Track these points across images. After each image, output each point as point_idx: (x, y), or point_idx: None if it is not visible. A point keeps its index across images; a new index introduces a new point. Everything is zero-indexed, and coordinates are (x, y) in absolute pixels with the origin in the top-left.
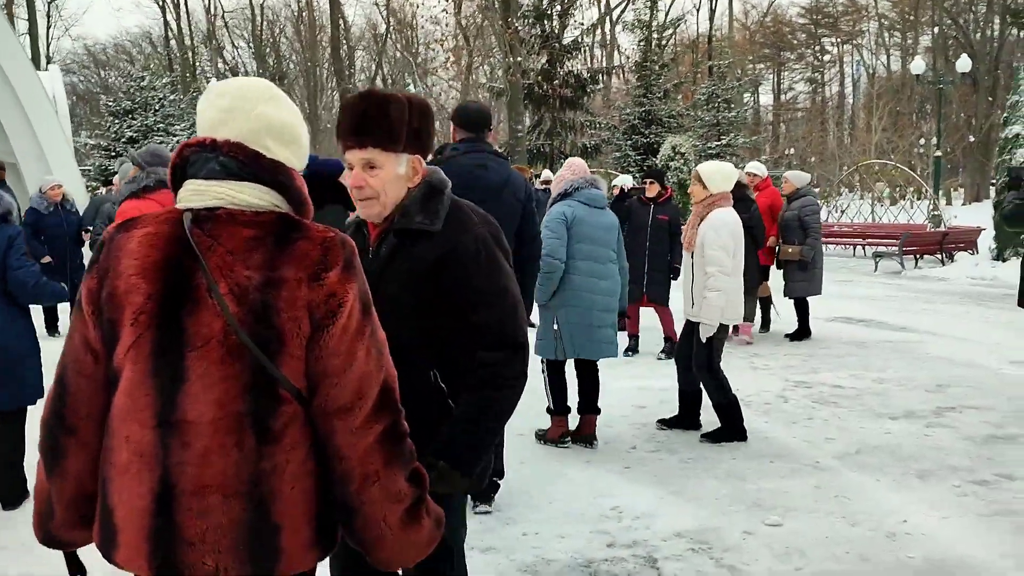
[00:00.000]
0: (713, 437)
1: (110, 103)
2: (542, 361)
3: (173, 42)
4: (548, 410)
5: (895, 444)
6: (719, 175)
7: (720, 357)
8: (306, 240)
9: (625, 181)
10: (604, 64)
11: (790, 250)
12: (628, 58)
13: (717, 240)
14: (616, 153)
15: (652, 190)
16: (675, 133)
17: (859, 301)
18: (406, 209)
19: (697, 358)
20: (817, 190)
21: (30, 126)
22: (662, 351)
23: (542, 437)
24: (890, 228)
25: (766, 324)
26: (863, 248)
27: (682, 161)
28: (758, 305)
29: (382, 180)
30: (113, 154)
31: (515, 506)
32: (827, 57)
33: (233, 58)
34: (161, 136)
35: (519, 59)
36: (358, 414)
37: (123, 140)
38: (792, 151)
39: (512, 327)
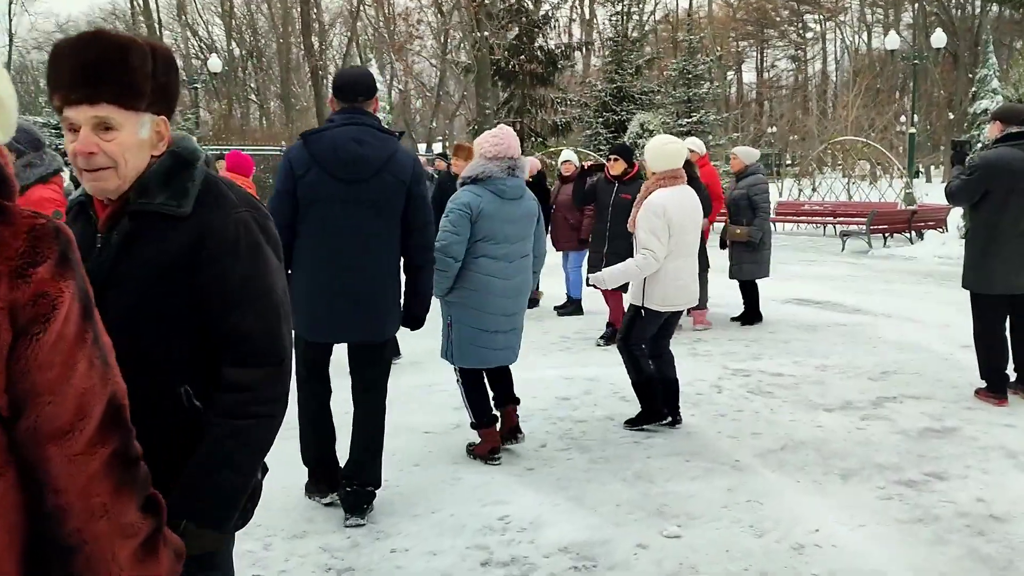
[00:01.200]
0: (634, 422)
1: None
2: (456, 369)
3: (142, 18)
4: (472, 425)
5: (823, 439)
6: (659, 153)
7: (643, 334)
8: (7, 227)
9: (570, 157)
10: (582, 39)
11: (738, 231)
12: (600, 33)
13: (644, 222)
14: (587, 131)
15: (616, 167)
16: (647, 110)
17: (818, 281)
18: (144, 185)
19: (620, 331)
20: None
21: None
22: (602, 336)
23: (471, 453)
24: (860, 206)
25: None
26: (834, 227)
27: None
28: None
29: (120, 145)
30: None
31: (393, 516)
32: (810, 35)
33: (208, 35)
34: None
35: (486, 33)
36: (78, 438)
37: None
38: (774, 129)
39: (274, 337)
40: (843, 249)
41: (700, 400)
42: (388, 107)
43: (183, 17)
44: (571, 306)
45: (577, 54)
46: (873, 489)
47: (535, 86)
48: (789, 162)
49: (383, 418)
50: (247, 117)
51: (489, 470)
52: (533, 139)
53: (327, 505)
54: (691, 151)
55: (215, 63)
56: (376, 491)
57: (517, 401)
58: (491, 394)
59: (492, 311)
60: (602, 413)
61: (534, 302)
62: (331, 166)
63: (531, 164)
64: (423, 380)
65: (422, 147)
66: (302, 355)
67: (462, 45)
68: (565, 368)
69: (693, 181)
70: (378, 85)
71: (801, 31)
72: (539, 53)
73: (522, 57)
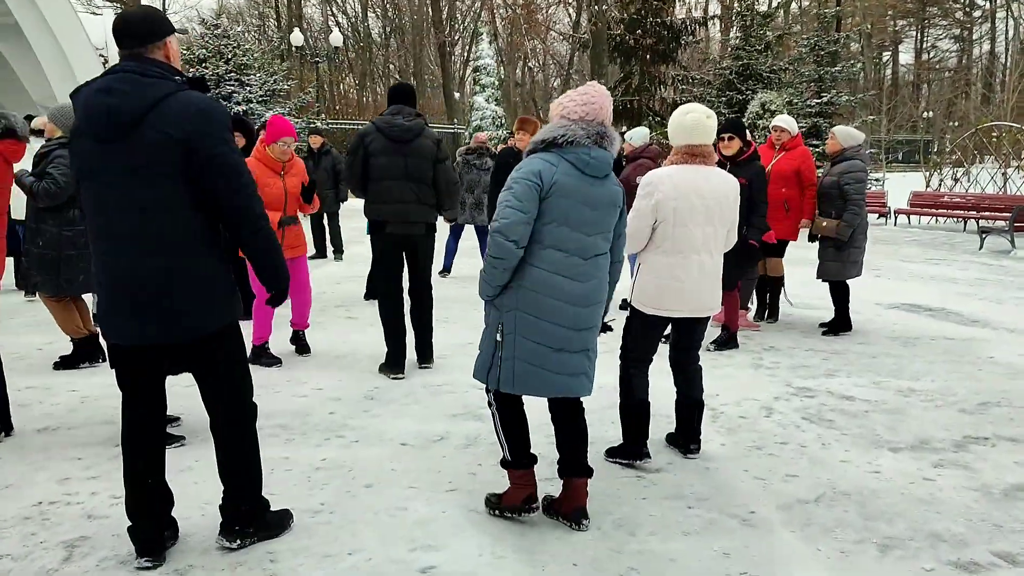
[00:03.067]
0: (613, 452)
1: (184, 51)
2: (488, 390)
3: None
4: (502, 462)
5: (873, 491)
6: (677, 124)
7: (639, 345)
8: None
9: (641, 135)
10: (708, 13)
11: (824, 224)
12: (729, 6)
13: (637, 202)
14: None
15: (730, 147)
16: (773, 90)
17: (939, 284)
18: None
19: (622, 340)
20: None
21: (72, 72)
22: (713, 341)
23: (495, 505)
24: (1005, 200)
25: (773, 312)
26: (976, 223)
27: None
28: (752, 288)
29: None
30: None
31: (301, 554)
32: (977, 13)
33: (354, 10)
34: (233, 85)
35: (604, 7)
36: None
37: None
38: (930, 114)
39: None
40: (981, 248)
41: (740, 425)
42: (497, 83)
43: None
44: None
45: (702, 29)
46: (917, 572)
47: (655, 63)
48: (935, 150)
49: (242, 419)
50: (374, 93)
51: (444, 502)
52: (651, 118)
53: None
54: (781, 129)
55: (336, 38)
56: (255, 510)
57: (589, 472)
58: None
59: (560, 321)
60: (615, 434)
61: (605, 327)
62: (84, 125)
63: (480, 138)
64: (435, 379)
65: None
66: (113, 363)
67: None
68: (601, 374)
69: (744, 164)
70: (493, 60)
71: (968, 8)
72: (660, 28)
73: (639, 32)
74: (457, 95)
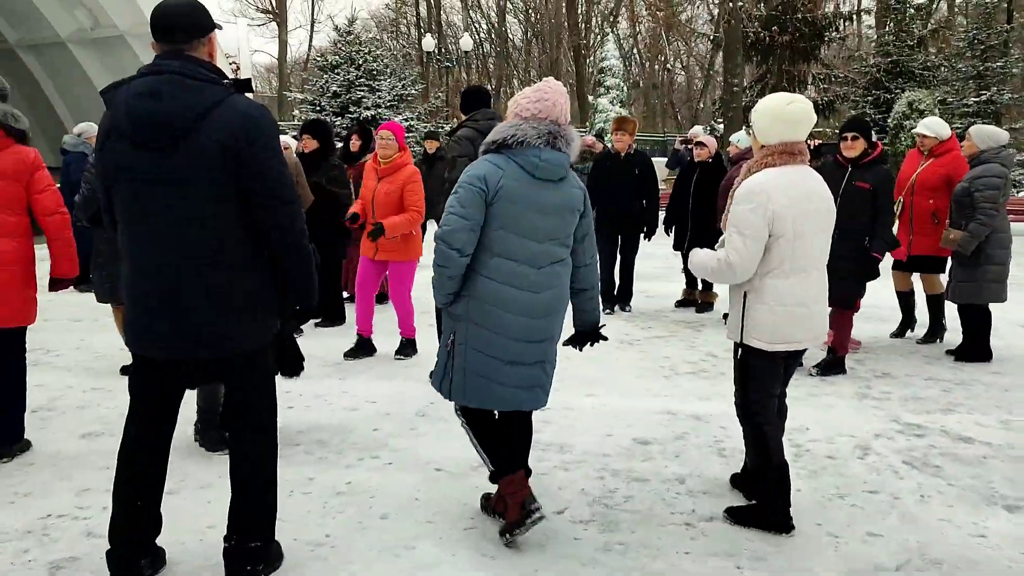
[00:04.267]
0: (738, 516)
1: (317, 58)
2: (457, 410)
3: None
4: (490, 477)
5: (974, 562)
6: (776, 116)
7: (765, 392)
8: None
9: (696, 132)
10: (854, 7)
11: (951, 235)
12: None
13: (733, 212)
14: (853, 111)
15: (854, 147)
16: (925, 87)
17: None
18: None
19: (735, 393)
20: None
21: None
22: (816, 365)
23: (488, 508)
24: None
25: (902, 328)
26: None
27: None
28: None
29: None
30: (317, 108)
31: None
32: None
33: (496, 15)
34: (364, 91)
35: (739, 4)
36: None
37: (327, 95)
38: None
39: None
40: None
41: (825, 467)
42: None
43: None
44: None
45: (848, 24)
46: None
47: (795, 61)
48: None
49: (262, 457)
50: (510, 97)
51: (457, 543)
52: None
53: None
54: (923, 135)
55: (467, 42)
56: (265, 545)
57: (529, 471)
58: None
59: (509, 334)
60: (676, 471)
61: (599, 336)
62: (126, 130)
63: (587, 141)
64: None
65: (699, 129)
66: (132, 373)
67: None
68: (678, 398)
69: (868, 167)
70: (618, 61)
71: None
72: (800, 24)
73: (775, 29)
74: (591, 98)
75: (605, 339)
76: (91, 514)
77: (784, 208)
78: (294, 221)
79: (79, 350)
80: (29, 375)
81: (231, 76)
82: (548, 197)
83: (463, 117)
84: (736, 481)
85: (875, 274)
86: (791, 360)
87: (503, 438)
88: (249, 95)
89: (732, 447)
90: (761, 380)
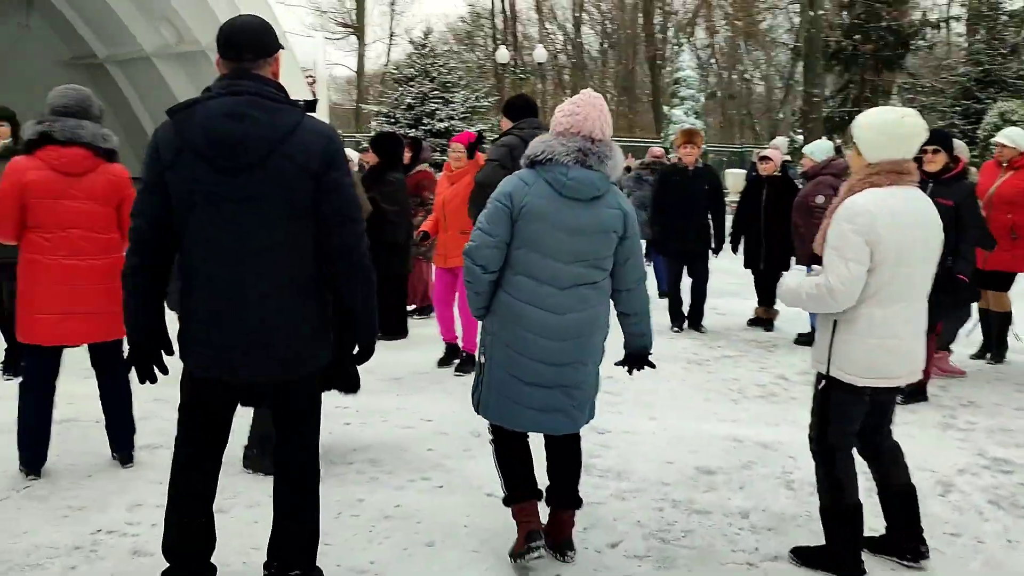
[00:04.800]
0: (806, 557)
1: (393, 71)
2: (488, 425)
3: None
4: (505, 500)
5: None
6: (884, 133)
7: (844, 429)
8: None
9: (780, 144)
10: (944, 14)
11: None
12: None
13: (833, 233)
14: (940, 122)
15: (935, 161)
16: (1018, 98)
17: None
18: None
19: (811, 425)
20: None
21: None
22: (901, 392)
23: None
24: None
25: (999, 353)
26: None
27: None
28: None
29: None
30: (392, 120)
31: None
32: None
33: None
34: (437, 103)
35: (821, 12)
36: None
37: (402, 107)
38: None
39: None
40: None
41: None
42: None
43: (541, 12)
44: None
45: (935, 32)
46: None
47: (879, 70)
48: None
49: (307, 481)
50: None
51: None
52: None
53: None
54: (1002, 144)
55: (540, 54)
56: (306, 574)
57: (578, 504)
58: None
59: (529, 354)
60: (739, 504)
61: (646, 363)
62: (205, 151)
63: (655, 152)
64: None
65: (781, 141)
66: (187, 391)
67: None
68: (746, 423)
69: (950, 183)
70: (694, 72)
71: None
72: (885, 32)
73: (857, 37)
74: (666, 109)
75: (652, 366)
76: (140, 531)
77: (889, 232)
78: (360, 240)
79: None
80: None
81: (307, 90)
82: (577, 217)
83: (509, 125)
84: (876, 546)
85: (960, 296)
86: (886, 396)
87: (525, 463)
88: (313, 115)
89: (801, 479)
90: (841, 416)
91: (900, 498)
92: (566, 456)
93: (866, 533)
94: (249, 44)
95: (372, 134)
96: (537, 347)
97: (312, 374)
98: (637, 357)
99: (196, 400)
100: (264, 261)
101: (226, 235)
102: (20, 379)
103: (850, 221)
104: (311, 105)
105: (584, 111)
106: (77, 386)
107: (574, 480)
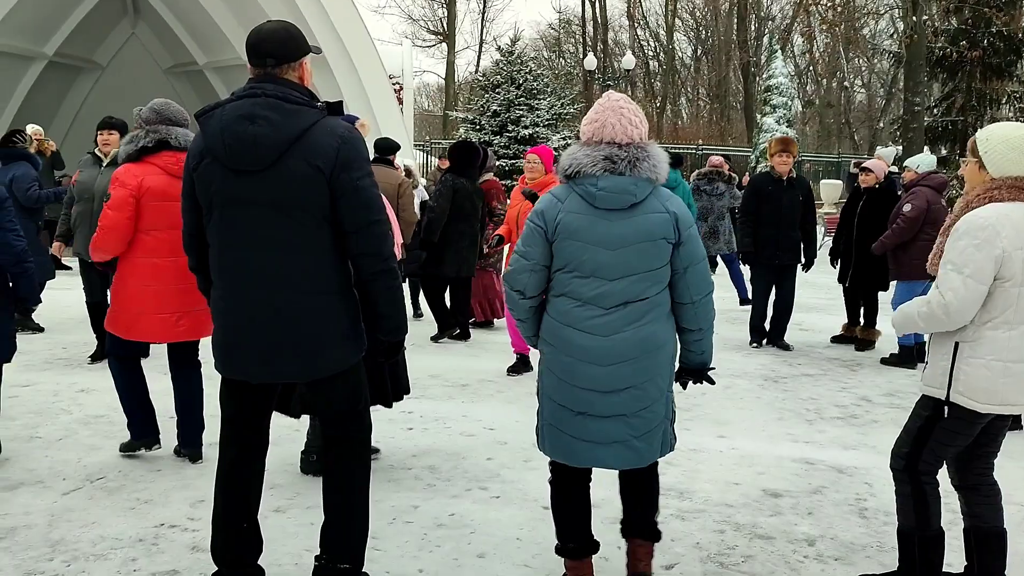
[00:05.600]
0: None
1: (480, 78)
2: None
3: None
4: (557, 549)
5: None
6: (1009, 148)
7: (943, 454)
8: None
9: (886, 155)
10: None
11: None
12: None
13: (952, 252)
14: None
15: None
16: None
17: None
18: None
19: (900, 439)
20: None
21: (366, 96)
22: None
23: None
24: None
25: None
26: None
27: None
28: None
29: None
30: (477, 127)
31: None
32: None
33: (666, 32)
34: (522, 110)
35: (924, 18)
36: None
37: (487, 114)
38: None
39: None
40: None
41: None
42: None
43: (633, 18)
44: (903, 357)
45: None
46: None
47: (987, 78)
48: None
49: (354, 480)
50: (678, 116)
51: None
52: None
53: None
54: None
55: (629, 61)
56: (355, 569)
57: (654, 536)
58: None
59: (576, 381)
60: (806, 531)
61: (706, 379)
62: (221, 154)
63: (714, 162)
64: None
65: (888, 152)
66: (224, 397)
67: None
68: (820, 446)
69: None
70: (786, 79)
71: None
72: (994, 39)
73: (964, 44)
74: (758, 116)
75: (711, 382)
76: (200, 526)
77: (1015, 248)
78: (382, 245)
79: None
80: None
81: (393, 96)
82: (616, 228)
83: None
84: None
85: None
86: (1000, 424)
87: (582, 512)
88: (339, 118)
89: (876, 507)
90: (946, 441)
91: (991, 539)
92: (638, 487)
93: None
94: (270, 50)
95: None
96: (583, 374)
97: (343, 373)
98: (693, 371)
99: (231, 403)
100: (283, 262)
101: (241, 236)
102: (114, 369)
103: (972, 236)
104: (335, 107)
105: (602, 117)
106: (154, 382)
107: (650, 512)
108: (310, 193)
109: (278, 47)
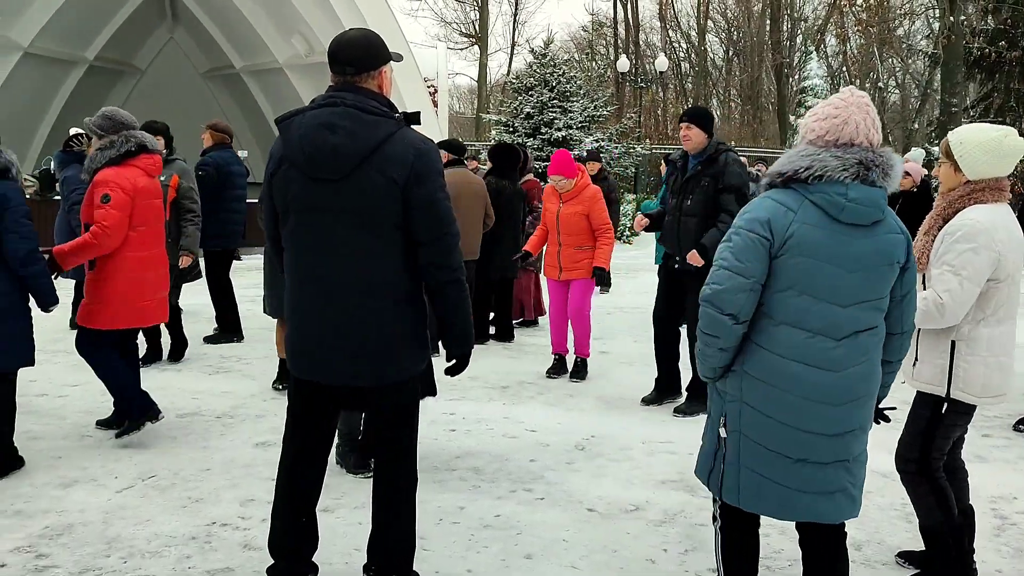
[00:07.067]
0: (914, 560)
1: (512, 80)
2: (715, 499)
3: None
4: None
5: None
6: (988, 149)
7: (945, 446)
8: None
9: (915, 157)
10: None
11: None
12: None
13: (949, 254)
14: None
15: None
16: None
17: None
18: None
19: (905, 442)
20: None
21: (402, 102)
22: (1021, 421)
23: None
24: None
25: None
26: None
27: None
28: None
29: None
30: (510, 129)
31: None
32: None
33: (696, 33)
34: (555, 112)
35: (962, 18)
36: None
37: (520, 116)
38: None
39: None
40: None
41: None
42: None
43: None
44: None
45: None
46: None
47: None
48: None
49: (404, 485)
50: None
51: None
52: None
53: None
54: None
55: (662, 63)
56: None
57: None
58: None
59: (799, 423)
60: (853, 535)
61: (882, 416)
62: (299, 161)
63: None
64: (662, 433)
65: (917, 154)
66: (293, 396)
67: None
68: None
69: None
70: (822, 81)
71: None
72: None
73: (1003, 43)
74: (792, 119)
75: (887, 420)
76: (251, 525)
77: (1007, 249)
78: (449, 254)
79: (266, 359)
80: (223, 382)
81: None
82: (857, 247)
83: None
84: (909, 557)
85: None
86: (967, 416)
87: (753, 561)
88: (417, 127)
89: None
90: (947, 435)
91: (969, 515)
92: (832, 546)
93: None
94: (350, 59)
95: (491, 143)
96: (812, 415)
97: (403, 382)
98: (880, 413)
99: (299, 402)
100: (353, 270)
101: (318, 243)
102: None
103: (969, 240)
104: (413, 117)
105: (844, 114)
106: (200, 383)
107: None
108: (384, 203)
109: (358, 56)
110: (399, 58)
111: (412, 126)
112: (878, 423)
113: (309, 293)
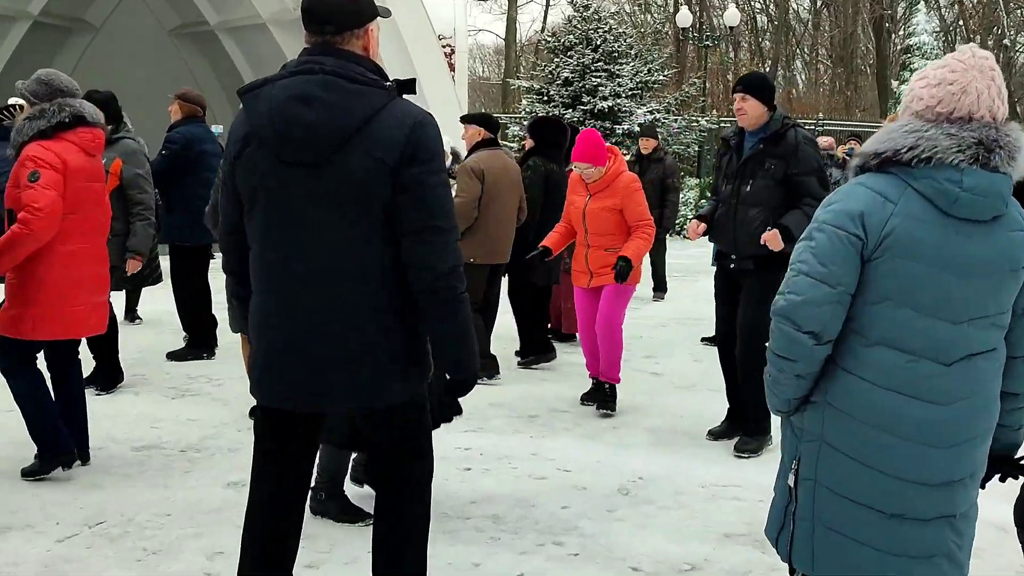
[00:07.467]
0: None
1: (548, 39)
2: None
3: None
4: None
5: None
6: None
7: None
8: None
9: None
10: None
11: None
12: None
13: None
14: None
15: None
16: None
17: None
18: None
19: None
20: None
21: (410, 60)
22: None
23: None
24: None
25: None
26: None
27: None
28: None
29: None
30: (545, 98)
31: None
32: None
33: None
34: (600, 76)
35: None
36: None
37: (557, 82)
38: None
39: None
40: None
41: None
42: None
43: None
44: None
45: None
46: None
47: None
48: None
49: (415, 531)
50: (793, 82)
51: None
52: None
53: None
54: None
55: (732, 15)
56: None
57: None
58: None
59: (896, 470)
60: None
61: (1018, 469)
62: (269, 139)
63: (824, 143)
64: (724, 473)
65: None
66: (260, 427)
67: None
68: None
69: None
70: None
71: None
72: None
73: None
74: (894, 84)
75: (1021, 473)
76: None
77: None
78: (444, 254)
79: (242, 379)
80: (189, 408)
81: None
82: (972, 248)
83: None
84: None
85: None
86: None
87: None
88: (411, 97)
89: None
90: None
91: None
92: None
93: None
94: (329, 14)
95: (523, 115)
96: (913, 459)
97: (399, 405)
98: (1005, 457)
99: (268, 433)
100: (336, 271)
101: (292, 238)
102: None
103: None
104: (406, 86)
105: (966, 79)
106: (161, 408)
107: None
108: (373, 191)
109: (339, 11)
110: (387, 13)
111: (406, 96)
112: (1016, 478)
113: (278, 298)
